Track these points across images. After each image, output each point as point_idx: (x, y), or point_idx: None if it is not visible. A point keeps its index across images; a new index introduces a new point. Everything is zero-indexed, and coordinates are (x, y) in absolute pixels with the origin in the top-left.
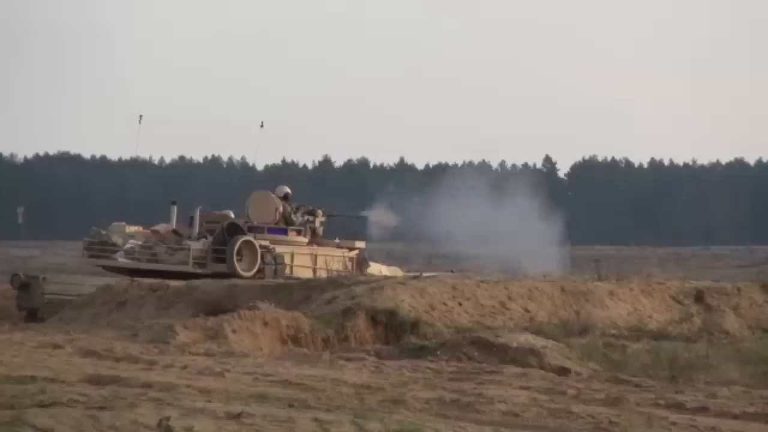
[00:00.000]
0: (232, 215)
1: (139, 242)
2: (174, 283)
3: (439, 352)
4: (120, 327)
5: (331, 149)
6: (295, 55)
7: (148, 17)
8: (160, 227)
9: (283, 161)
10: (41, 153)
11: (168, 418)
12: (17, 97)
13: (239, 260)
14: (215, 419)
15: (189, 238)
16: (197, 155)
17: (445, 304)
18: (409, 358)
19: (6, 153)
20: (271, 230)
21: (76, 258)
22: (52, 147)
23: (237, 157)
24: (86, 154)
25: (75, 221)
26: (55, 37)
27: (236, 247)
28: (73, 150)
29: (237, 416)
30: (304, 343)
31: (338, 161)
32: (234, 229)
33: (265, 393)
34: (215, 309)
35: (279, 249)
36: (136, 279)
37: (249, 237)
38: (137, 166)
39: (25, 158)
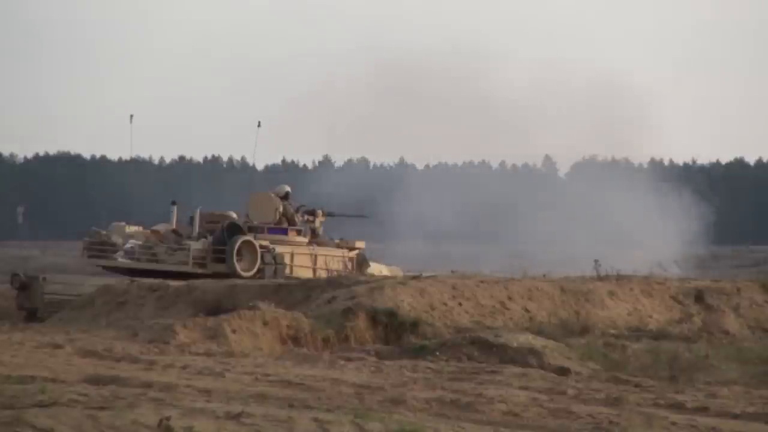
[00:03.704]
0: (234, 215)
1: (139, 242)
2: (174, 283)
3: (438, 352)
4: (120, 327)
5: (331, 149)
6: (295, 54)
7: (148, 16)
8: (160, 227)
9: (283, 161)
10: (41, 153)
11: (168, 418)
12: (17, 97)
13: (239, 260)
14: (215, 419)
15: (189, 238)
16: (197, 155)
17: (445, 304)
18: (409, 358)
19: (6, 153)
20: (271, 230)
21: (76, 258)
22: (52, 147)
23: (237, 157)
24: (86, 154)
25: (75, 221)
26: (55, 37)
27: (236, 247)
28: (73, 150)
29: (237, 416)
30: (304, 343)
31: (338, 161)
32: (234, 229)
33: (265, 393)
34: (215, 309)
35: (279, 249)
36: (136, 279)
37: (249, 237)
38: (137, 166)
39: (25, 158)
